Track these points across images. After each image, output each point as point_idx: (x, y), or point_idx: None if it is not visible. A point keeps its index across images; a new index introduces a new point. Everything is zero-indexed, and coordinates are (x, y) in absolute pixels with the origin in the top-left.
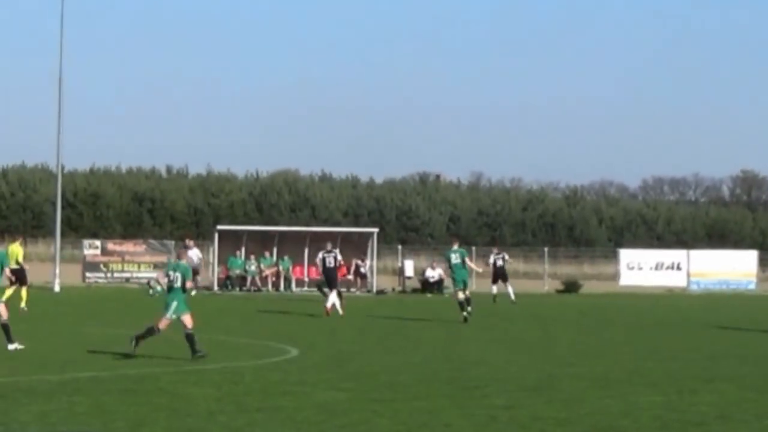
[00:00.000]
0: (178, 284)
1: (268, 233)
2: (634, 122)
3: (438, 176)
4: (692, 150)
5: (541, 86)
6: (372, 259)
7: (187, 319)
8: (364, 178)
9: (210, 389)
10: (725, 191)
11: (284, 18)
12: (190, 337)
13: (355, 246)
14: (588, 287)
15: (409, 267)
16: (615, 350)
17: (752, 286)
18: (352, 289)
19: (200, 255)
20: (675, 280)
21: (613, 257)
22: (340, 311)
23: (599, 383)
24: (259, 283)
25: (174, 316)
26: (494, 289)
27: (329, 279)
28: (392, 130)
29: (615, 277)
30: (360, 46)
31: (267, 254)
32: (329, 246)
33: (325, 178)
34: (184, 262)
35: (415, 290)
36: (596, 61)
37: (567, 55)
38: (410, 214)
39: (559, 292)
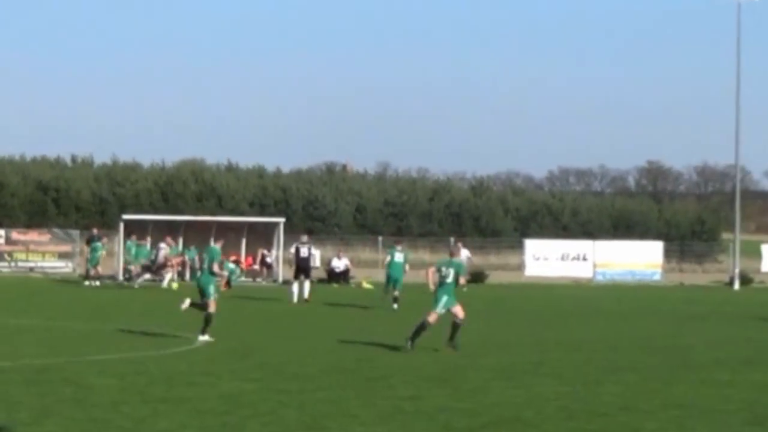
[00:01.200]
0: (450, 279)
1: (174, 223)
2: (541, 113)
3: (344, 166)
4: (598, 141)
5: (447, 76)
6: (278, 249)
7: (458, 311)
8: (270, 167)
9: (114, 379)
10: (631, 182)
11: (185, 6)
12: (456, 327)
13: (261, 236)
14: (494, 277)
15: (317, 257)
16: (520, 341)
17: (657, 277)
18: (258, 279)
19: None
20: (580, 270)
21: (519, 247)
22: (306, 296)
23: (504, 374)
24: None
25: (443, 310)
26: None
27: (304, 269)
28: (299, 121)
29: (521, 267)
30: (266, 36)
31: (173, 243)
32: (304, 238)
33: (231, 168)
34: (457, 259)
35: (321, 280)
36: (501, 52)
37: (473, 45)
38: (316, 204)
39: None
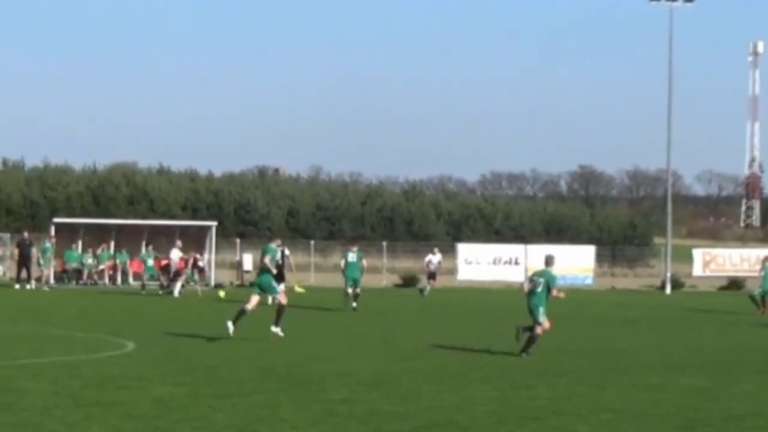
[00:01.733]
0: (540, 289)
1: (106, 226)
2: (473, 118)
3: (277, 170)
4: (530, 146)
5: (380, 81)
6: (210, 253)
7: (539, 329)
8: (202, 171)
9: (46, 383)
10: (563, 186)
11: (116, 8)
12: (533, 340)
13: (193, 240)
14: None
15: (248, 261)
16: (452, 345)
17: (589, 281)
18: (191, 283)
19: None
20: (513, 274)
21: (451, 252)
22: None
23: (436, 378)
24: (95, 276)
25: (545, 318)
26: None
27: (278, 273)
28: (232, 124)
29: (453, 271)
30: (197, 40)
31: (104, 247)
32: (278, 242)
33: (163, 171)
34: (550, 270)
35: (252, 284)
36: (430, 55)
37: (400, 47)
38: (249, 208)
39: (397, 286)
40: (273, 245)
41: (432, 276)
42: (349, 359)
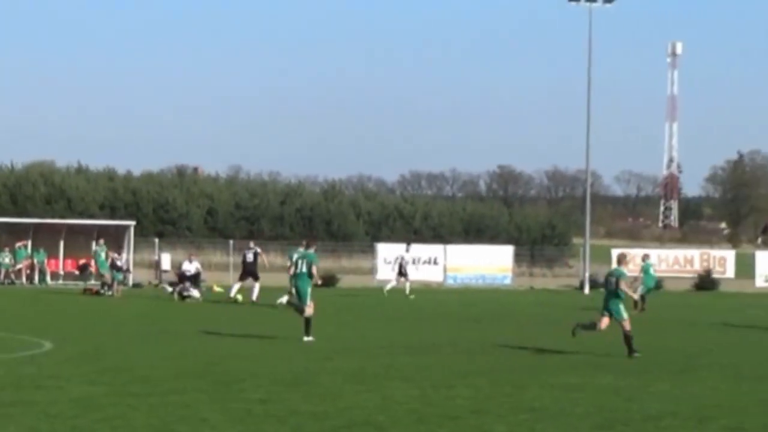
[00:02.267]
0: (613, 287)
1: (23, 225)
2: (393, 117)
3: (196, 169)
4: (450, 146)
5: (299, 80)
6: (129, 253)
7: (626, 324)
8: (121, 170)
9: None
10: (482, 186)
11: (34, 7)
12: (628, 338)
13: (111, 239)
14: (345, 281)
15: (166, 260)
16: (371, 344)
17: (508, 281)
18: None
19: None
20: (432, 274)
21: (371, 251)
22: (254, 298)
23: (356, 378)
24: (12, 275)
25: (626, 315)
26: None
27: (250, 272)
28: (150, 123)
29: (372, 271)
30: (117, 39)
31: (21, 246)
32: (251, 244)
33: (81, 170)
34: (620, 268)
35: (172, 284)
36: (353, 56)
37: (319, 51)
38: (167, 207)
39: (316, 285)
40: (312, 251)
41: (404, 274)
42: (269, 358)
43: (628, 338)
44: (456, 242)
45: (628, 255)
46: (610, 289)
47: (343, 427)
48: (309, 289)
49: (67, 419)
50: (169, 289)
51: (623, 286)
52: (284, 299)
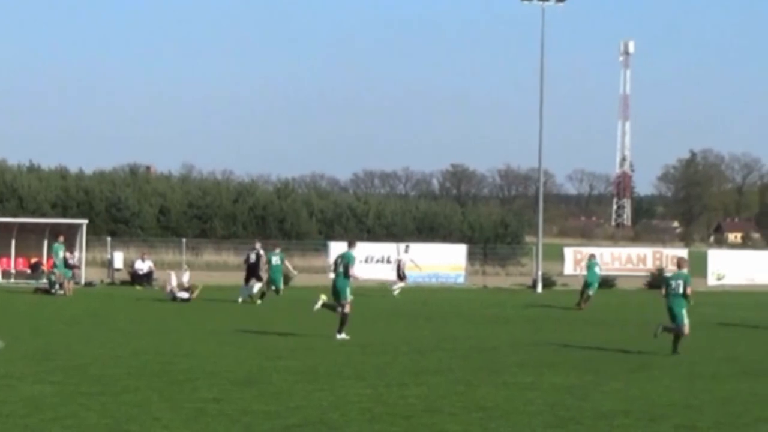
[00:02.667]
0: (681, 290)
1: None
2: (346, 116)
3: (148, 168)
4: (403, 145)
5: (251, 80)
6: (81, 251)
7: (686, 328)
8: (73, 168)
9: None
10: (435, 185)
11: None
12: (678, 339)
13: (64, 238)
14: (299, 279)
15: (119, 259)
16: (325, 343)
17: (461, 280)
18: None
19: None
20: (385, 272)
21: (324, 250)
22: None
23: (309, 376)
24: None
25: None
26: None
27: (253, 273)
28: (103, 122)
29: (325, 270)
30: (70, 37)
31: None
32: (257, 245)
33: (32, 169)
34: (684, 271)
35: (124, 282)
36: (306, 58)
37: (275, 52)
38: (120, 206)
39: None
40: (352, 252)
41: (402, 276)
42: (222, 358)
43: (678, 339)
44: (409, 241)
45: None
46: (675, 293)
47: (295, 426)
48: (348, 289)
49: (18, 418)
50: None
51: (689, 290)
52: (319, 304)
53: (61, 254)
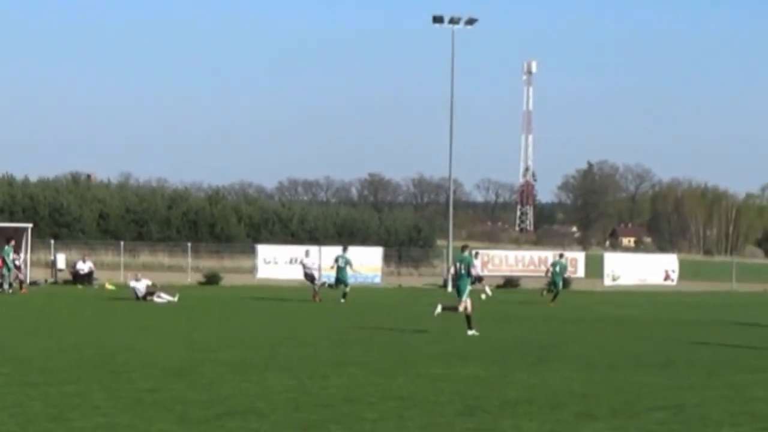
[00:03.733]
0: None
1: None
2: (270, 128)
3: (89, 176)
4: (324, 154)
5: (184, 91)
6: (26, 253)
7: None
8: (19, 176)
9: None
10: (354, 193)
11: None
12: None
13: (10, 239)
14: (228, 280)
15: (61, 260)
16: (252, 338)
17: (378, 280)
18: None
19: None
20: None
21: (251, 252)
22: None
23: (238, 368)
24: None
25: None
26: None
27: (309, 276)
28: (47, 132)
29: (253, 270)
30: (16, 45)
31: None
32: (309, 252)
33: None
34: None
35: (66, 282)
36: (235, 72)
37: (209, 67)
38: (62, 211)
39: (201, 284)
40: (467, 254)
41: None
42: (158, 351)
43: (469, 318)
44: (330, 244)
45: None
46: (461, 273)
47: (226, 414)
48: (467, 288)
49: None
50: (163, 297)
51: (472, 270)
52: (439, 309)
53: (11, 256)
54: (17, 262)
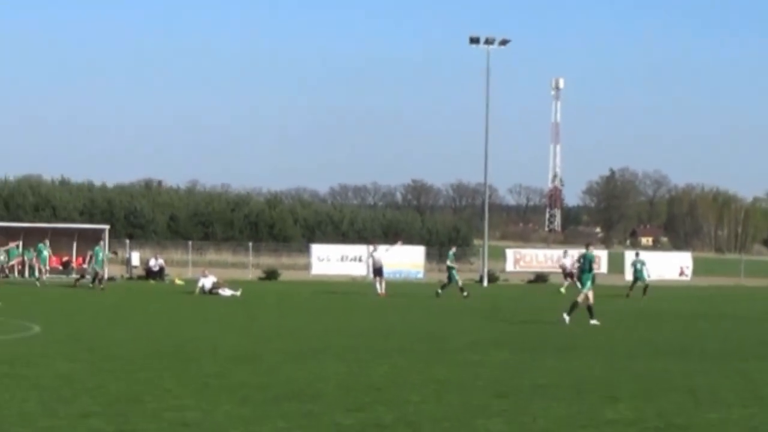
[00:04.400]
0: None
1: (15, 229)
2: (325, 138)
3: (160, 182)
4: (371, 162)
5: (245, 107)
6: (104, 251)
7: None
8: (97, 182)
9: None
10: (399, 197)
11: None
12: None
13: (89, 240)
14: (285, 275)
15: (136, 258)
16: (307, 328)
17: (420, 276)
18: (87, 276)
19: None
20: (357, 270)
21: (306, 251)
22: (382, 291)
23: (294, 356)
24: (6, 270)
25: None
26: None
27: (377, 269)
28: (123, 143)
29: (307, 267)
30: (108, 75)
31: (14, 246)
32: (379, 247)
33: (64, 183)
34: None
35: (140, 277)
36: (296, 89)
37: (266, 84)
38: (136, 214)
39: (261, 279)
40: (591, 252)
41: (569, 275)
42: (223, 340)
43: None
44: (377, 243)
45: None
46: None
47: (283, 396)
48: (589, 282)
49: (53, 390)
50: (227, 292)
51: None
52: (566, 317)
53: (101, 255)
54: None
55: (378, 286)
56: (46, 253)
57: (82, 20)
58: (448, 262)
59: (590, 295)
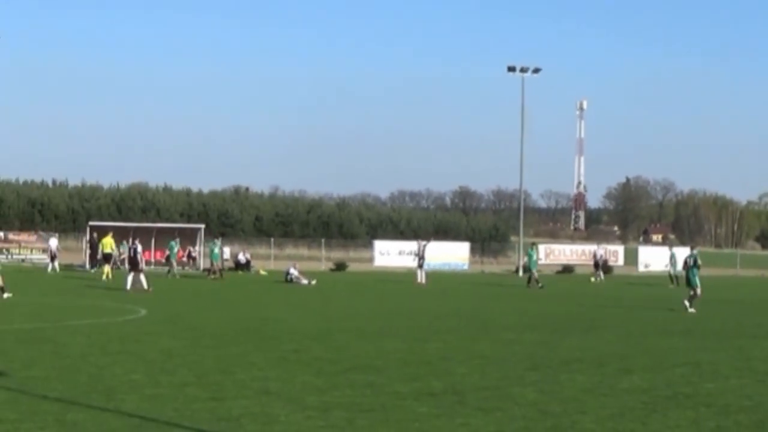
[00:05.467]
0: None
1: (126, 228)
2: (386, 149)
3: (247, 188)
4: (425, 170)
5: (321, 119)
6: (200, 246)
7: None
8: (194, 188)
9: (82, 338)
10: (447, 201)
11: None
12: None
13: (188, 237)
14: (352, 267)
15: (227, 252)
16: (371, 311)
17: (465, 267)
18: (186, 268)
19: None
20: (413, 262)
21: (370, 246)
22: (422, 280)
23: (359, 334)
24: (119, 262)
25: None
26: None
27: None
28: (215, 153)
29: (371, 260)
30: (199, 98)
31: (125, 242)
32: (423, 242)
33: (167, 189)
34: None
35: (230, 269)
36: (369, 104)
37: (342, 98)
38: (227, 216)
39: (332, 270)
40: (696, 251)
41: (598, 265)
42: (300, 321)
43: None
44: (428, 240)
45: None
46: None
47: (351, 369)
48: (696, 278)
49: (157, 363)
50: (304, 281)
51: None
52: (690, 307)
53: (216, 249)
54: (193, 254)
55: (420, 275)
56: (176, 249)
57: (190, 36)
58: (534, 258)
59: (698, 290)
